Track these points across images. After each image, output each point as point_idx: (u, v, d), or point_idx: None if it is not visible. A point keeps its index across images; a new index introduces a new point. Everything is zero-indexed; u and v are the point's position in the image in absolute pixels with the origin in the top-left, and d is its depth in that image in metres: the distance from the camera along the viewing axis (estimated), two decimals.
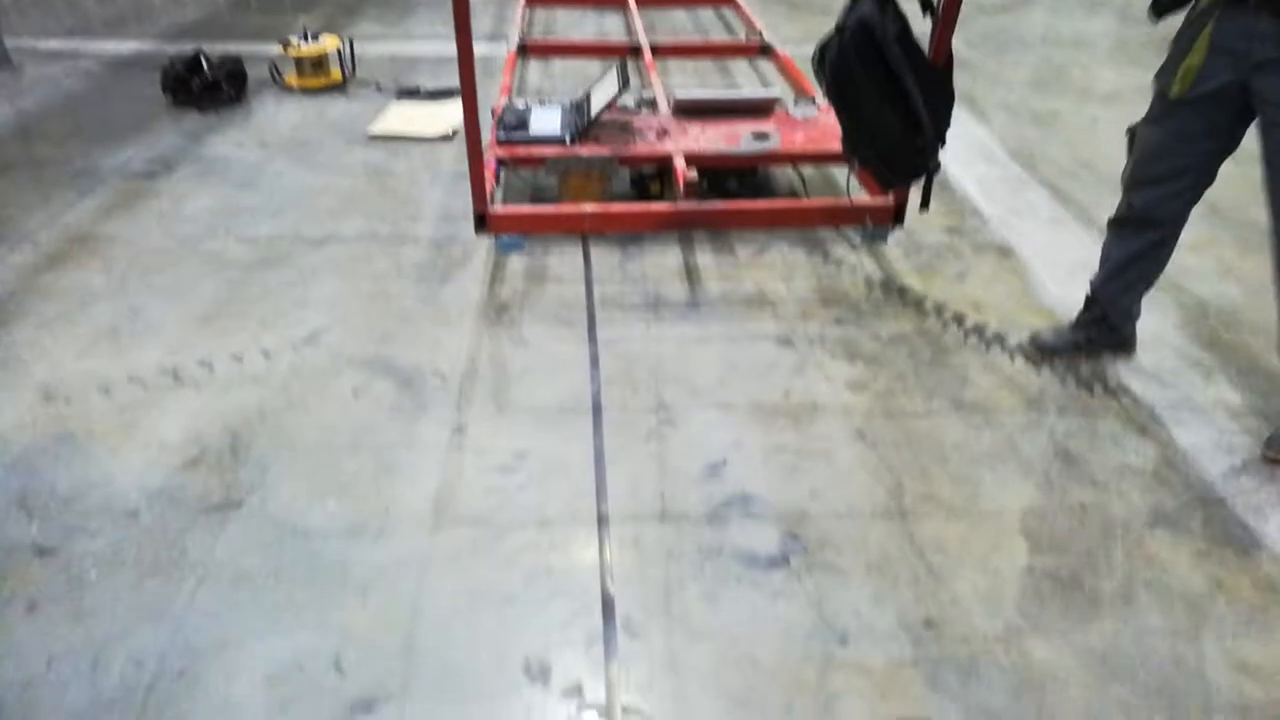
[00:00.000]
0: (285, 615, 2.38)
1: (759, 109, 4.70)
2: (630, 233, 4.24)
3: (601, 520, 2.69)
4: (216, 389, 3.25)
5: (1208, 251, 4.27)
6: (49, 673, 2.22)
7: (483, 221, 3.83)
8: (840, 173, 4.78)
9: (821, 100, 4.83)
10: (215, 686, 2.19)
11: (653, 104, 4.77)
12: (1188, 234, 3.19)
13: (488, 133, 4.21)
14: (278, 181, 4.89)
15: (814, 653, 2.30)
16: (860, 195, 4.21)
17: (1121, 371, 3.41)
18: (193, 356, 3.42)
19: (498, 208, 3.92)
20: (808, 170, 4.87)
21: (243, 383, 3.28)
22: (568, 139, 4.22)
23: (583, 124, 4.30)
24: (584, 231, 4.17)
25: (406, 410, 3.15)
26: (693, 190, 3.86)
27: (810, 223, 4.24)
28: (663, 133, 4.36)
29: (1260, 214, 2.96)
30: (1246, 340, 3.59)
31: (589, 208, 3.93)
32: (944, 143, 3.38)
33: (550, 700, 2.18)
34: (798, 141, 4.36)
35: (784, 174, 4.84)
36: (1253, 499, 2.80)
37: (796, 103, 4.86)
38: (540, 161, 4.14)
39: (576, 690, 2.20)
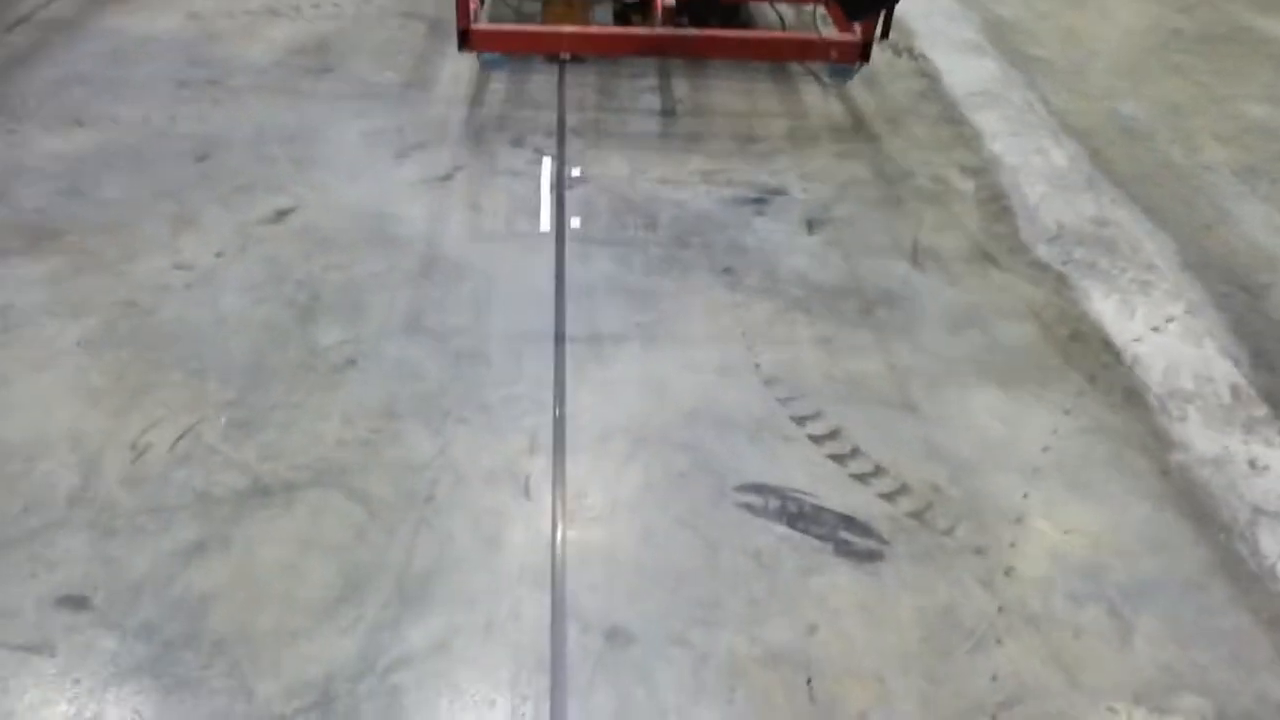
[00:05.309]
0: (367, 113, 3.99)
1: None
2: (607, 55, 4.45)
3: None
4: (305, 20, 4.78)
5: None
6: (232, 130, 3.82)
7: (465, 38, 3.88)
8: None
9: None
10: (330, 136, 3.83)
11: None
12: None
13: None
14: None
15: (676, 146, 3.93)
16: (831, 32, 4.33)
17: (926, 47, 4.96)
18: (285, 3, 4.92)
19: (480, 25, 3.99)
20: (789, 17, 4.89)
21: (323, 18, 4.81)
22: None
23: None
24: (562, 51, 4.34)
25: (436, 38, 4.69)
26: (670, 17, 3.92)
27: (781, 56, 4.43)
28: None
29: None
30: (1020, 37, 5.13)
31: (569, 28, 4.03)
32: None
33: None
34: None
35: (765, 20, 4.93)
36: (976, 103, 4.40)
37: None
38: None
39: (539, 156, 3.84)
